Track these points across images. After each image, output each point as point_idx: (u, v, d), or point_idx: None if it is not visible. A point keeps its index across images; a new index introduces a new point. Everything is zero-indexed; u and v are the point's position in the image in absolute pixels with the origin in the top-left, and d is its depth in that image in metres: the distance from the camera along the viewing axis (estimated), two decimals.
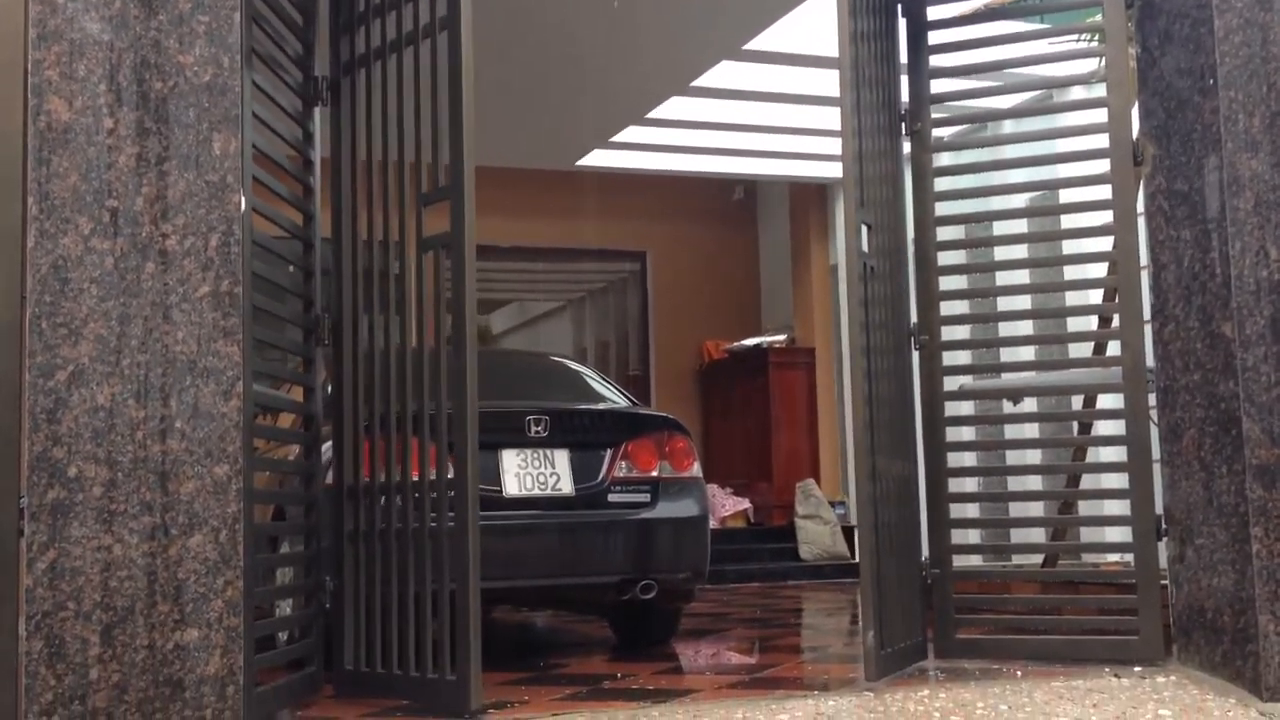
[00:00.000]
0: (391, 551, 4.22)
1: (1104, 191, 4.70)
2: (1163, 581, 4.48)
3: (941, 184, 5.02)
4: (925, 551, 4.90)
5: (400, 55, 4.31)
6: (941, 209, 4.98)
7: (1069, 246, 5.55)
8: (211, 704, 3.35)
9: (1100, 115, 4.70)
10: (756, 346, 11.23)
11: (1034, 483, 7.28)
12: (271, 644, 4.38)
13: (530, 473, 5.34)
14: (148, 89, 3.46)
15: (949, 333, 5.06)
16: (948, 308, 5.02)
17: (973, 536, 6.92)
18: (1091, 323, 5.58)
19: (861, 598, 4.37)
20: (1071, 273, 5.81)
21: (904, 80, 5.04)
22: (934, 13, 5.05)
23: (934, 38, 5.04)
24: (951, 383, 5.04)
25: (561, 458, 5.42)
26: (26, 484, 3.27)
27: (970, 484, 6.85)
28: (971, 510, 6.67)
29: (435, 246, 4.19)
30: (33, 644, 3.22)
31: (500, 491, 5.27)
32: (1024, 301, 6.70)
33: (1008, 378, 5.95)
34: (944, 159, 5.04)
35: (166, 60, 3.49)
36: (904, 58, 5.04)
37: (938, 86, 5.04)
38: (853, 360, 4.47)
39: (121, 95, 3.43)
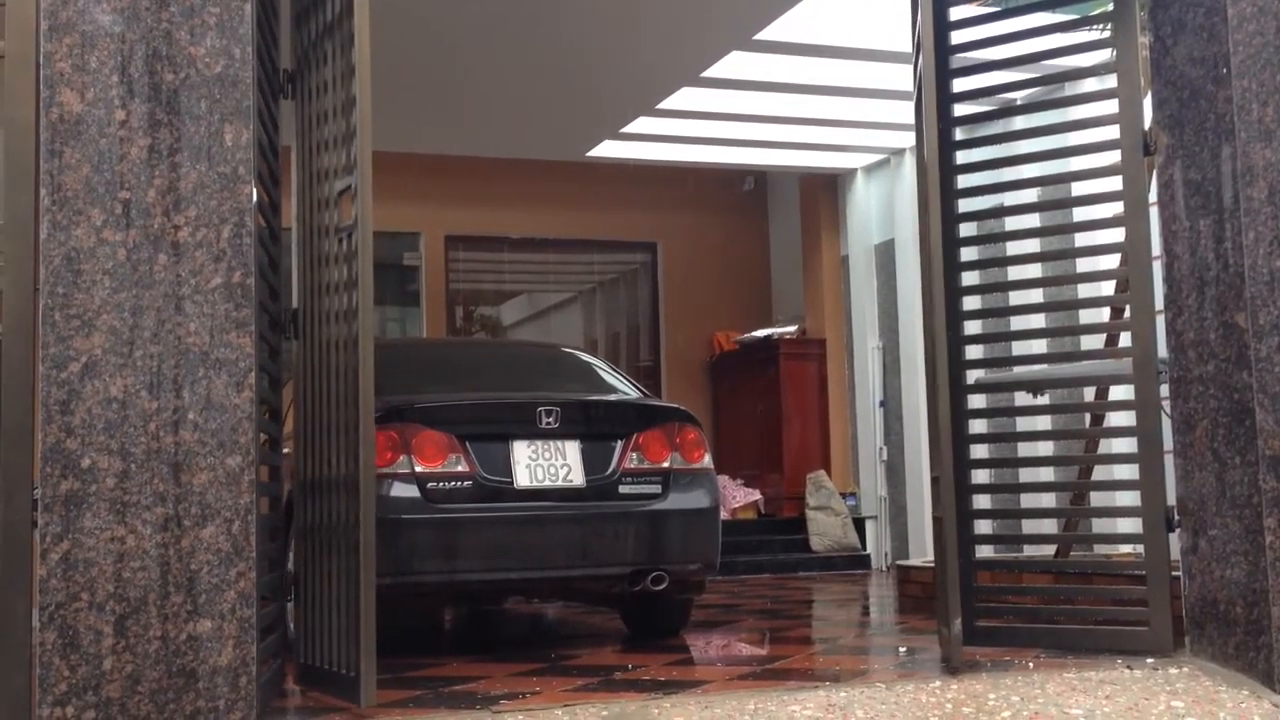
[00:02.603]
0: (312, 547, 4.20)
1: (1116, 183, 4.69)
2: (1175, 573, 4.47)
3: (961, 181, 5.00)
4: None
5: (322, 44, 4.25)
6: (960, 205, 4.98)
7: (1081, 239, 5.52)
8: (224, 694, 3.36)
9: (1112, 106, 4.69)
10: (767, 338, 11.20)
11: (1046, 474, 7.27)
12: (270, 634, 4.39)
13: (541, 464, 5.35)
14: (159, 81, 3.46)
15: (965, 327, 5.04)
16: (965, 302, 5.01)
17: (983, 527, 6.90)
18: (1104, 315, 5.56)
19: (949, 585, 4.31)
20: (1084, 265, 5.80)
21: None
22: (955, 13, 5.02)
23: (955, 37, 5.02)
24: (968, 376, 5.04)
25: (572, 449, 5.43)
26: (40, 475, 3.28)
27: (982, 475, 6.84)
28: (984, 501, 6.66)
29: (346, 234, 4.07)
30: (46, 635, 3.23)
31: (511, 483, 5.27)
32: (1036, 295, 6.67)
33: (1019, 370, 5.94)
34: (957, 156, 5.02)
35: (178, 52, 3.49)
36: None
37: (960, 85, 5.02)
38: (937, 349, 4.46)
39: (133, 87, 3.44)
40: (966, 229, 5.04)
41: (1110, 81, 4.74)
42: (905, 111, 8.83)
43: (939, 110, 4.96)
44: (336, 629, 3.95)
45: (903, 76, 7.85)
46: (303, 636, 4.27)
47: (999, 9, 5.16)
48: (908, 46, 5.63)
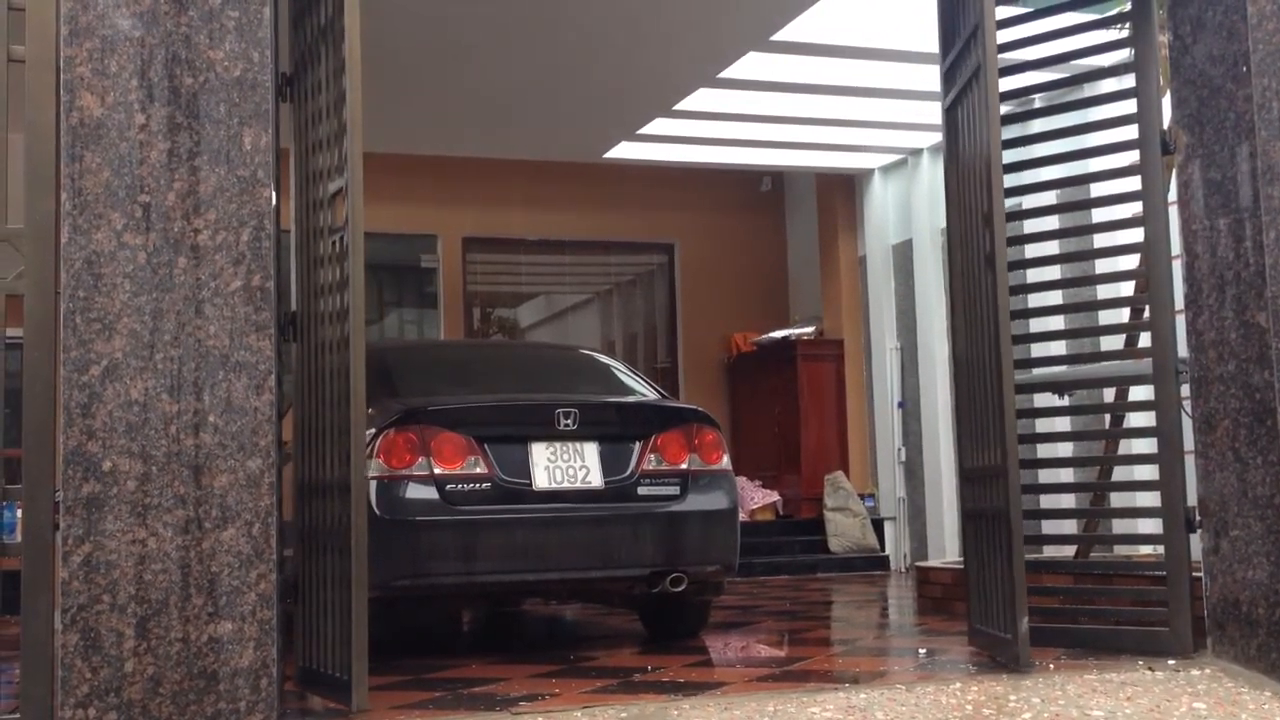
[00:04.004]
0: (309, 550, 4.18)
1: (1135, 183, 4.67)
2: (1196, 574, 4.45)
3: None
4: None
5: (317, 45, 4.21)
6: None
7: (1101, 239, 5.49)
8: (245, 696, 3.37)
9: (1131, 105, 4.67)
10: (785, 338, 11.19)
11: (1066, 475, 7.24)
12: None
13: (560, 466, 5.35)
14: (179, 84, 3.48)
15: None
16: None
17: None
18: (1124, 315, 5.54)
19: (1016, 582, 4.26)
20: (1104, 266, 5.77)
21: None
22: None
23: None
24: None
25: (591, 450, 5.43)
26: (61, 478, 3.30)
27: None
28: None
29: (339, 235, 3.99)
30: (68, 637, 3.24)
31: (530, 484, 5.28)
32: (1056, 296, 6.65)
33: (1038, 372, 5.91)
34: None
35: (197, 56, 3.50)
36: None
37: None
38: (1004, 346, 4.44)
39: (153, 91, 3.45)
40: None
41: (1129, 81, 4.72)
42: (922, 111, 8.82)
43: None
44: (332, 632, 3.94)
45: (919, 76, 7.84)
46: (303, 639, 4.27)
47: (1023, 11, 5.13)
48: (924, 47, 5.62)
